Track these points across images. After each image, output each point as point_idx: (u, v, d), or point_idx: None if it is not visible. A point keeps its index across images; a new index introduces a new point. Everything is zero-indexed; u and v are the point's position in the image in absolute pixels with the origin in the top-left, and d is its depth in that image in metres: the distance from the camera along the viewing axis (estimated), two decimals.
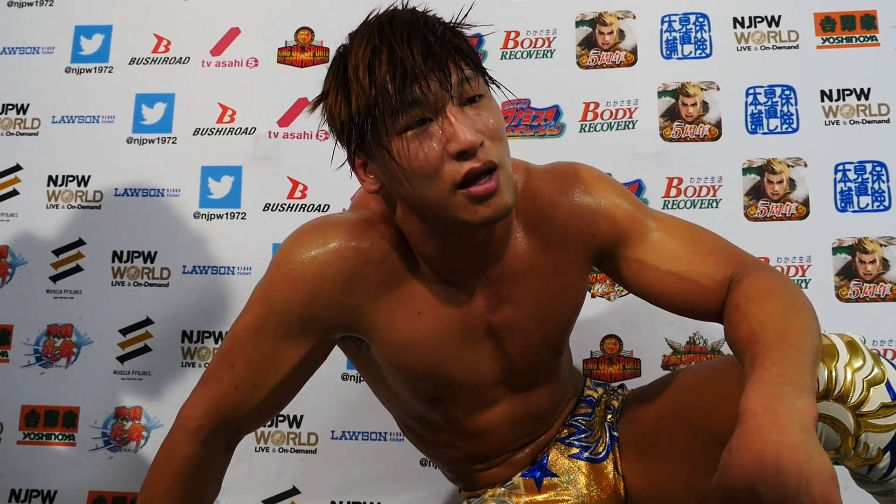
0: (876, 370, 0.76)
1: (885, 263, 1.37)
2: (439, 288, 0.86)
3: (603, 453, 1.00)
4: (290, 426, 1.43)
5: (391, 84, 0.72)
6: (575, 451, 1.00)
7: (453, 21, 0.79)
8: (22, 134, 1.57)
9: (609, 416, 1.02)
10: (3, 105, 1.58)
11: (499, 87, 0.81)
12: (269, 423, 1.43)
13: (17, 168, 1.55)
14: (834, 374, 0.75)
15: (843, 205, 1.40)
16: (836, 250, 1.39)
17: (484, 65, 0.80)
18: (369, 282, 0.83)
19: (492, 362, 0.91)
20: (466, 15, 0.79)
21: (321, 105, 0.81)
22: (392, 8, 0.78)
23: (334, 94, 0.78)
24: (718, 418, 0.75)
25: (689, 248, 0.86)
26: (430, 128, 0.74)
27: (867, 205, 1.40)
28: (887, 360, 0.78)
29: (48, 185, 1.54)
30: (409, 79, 0.72)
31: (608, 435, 1.01)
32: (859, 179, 1.41)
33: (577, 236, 0.88)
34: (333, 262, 0.82)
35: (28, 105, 1.58)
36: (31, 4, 1.62)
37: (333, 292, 0.82)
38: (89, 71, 1.58)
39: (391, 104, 0.72)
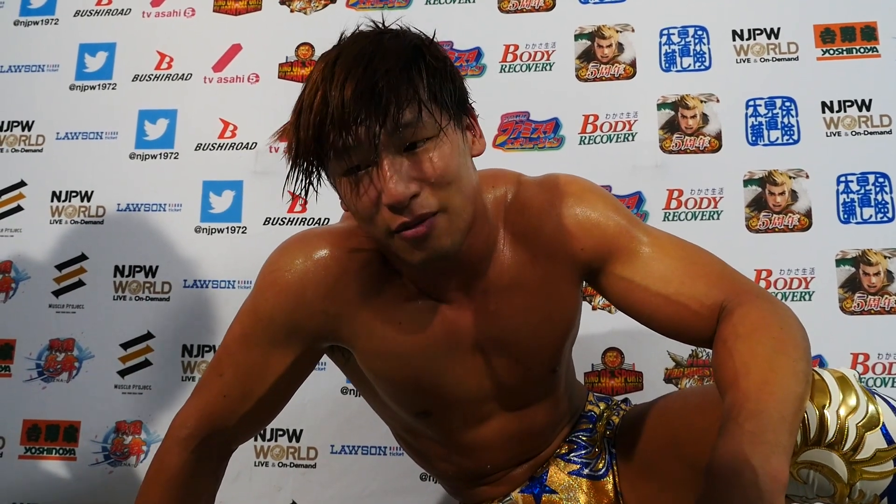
0: (871, 410, 0.71)
1: (890, 275, 1.36)
2: (421, 300, 0.85)
3: (603, 470, 0.98)
4: (290, 440, 1.43)
5: (321, 130, 0.71)
6: (575, 467, 0.98)
7: (426, 41, 0.75)
8: (27, 150, 1.58)
9: (608, 433, 1.01)
10: (9, 122, 1.60)
11: (466, 116, 0.78)
12: (269, 437, 1.43)
13: (22, 184, 1.57)
14: (826, 418, 0.70)
15: (846, 216, 1.39)
16: (840, 262, 1.37)
17: (466, 82, 0.77)
18: (350, 290, 0.83)
19: (480, 377, 0.89)
20: (434, 36, 0.76)
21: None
22: (356, 33, 0.76)
23: (289, 126, 0.77)
24: (708, 451, 0.72)
25: (681, 269, 0.83)
26: (366, 175, 0.72)
27: (870, 216, 1.39)
28: (882, 396, 0.73)
29: (52, 200, 1.55)
30: (337, 127, 0.70)
31: (608, 452, 0.99)
32: (862, 191, 1.39)
33: (564, 249, 0.85)
34: (315, 270, 0.82)
35: (33, 122, 1.60)
36: (36, 23, 1.64)
37: (315, 299, 0.83)
38: (93, 88, 1.60)
39: (322, 151, 0.72)
